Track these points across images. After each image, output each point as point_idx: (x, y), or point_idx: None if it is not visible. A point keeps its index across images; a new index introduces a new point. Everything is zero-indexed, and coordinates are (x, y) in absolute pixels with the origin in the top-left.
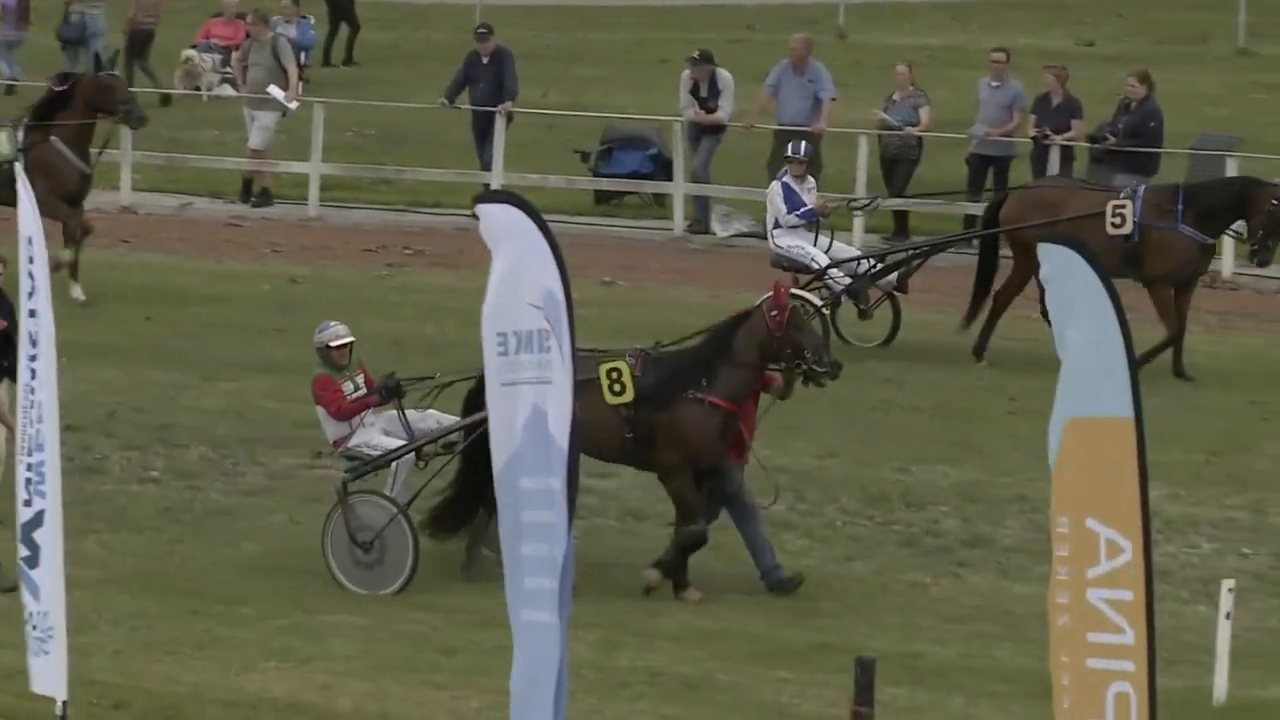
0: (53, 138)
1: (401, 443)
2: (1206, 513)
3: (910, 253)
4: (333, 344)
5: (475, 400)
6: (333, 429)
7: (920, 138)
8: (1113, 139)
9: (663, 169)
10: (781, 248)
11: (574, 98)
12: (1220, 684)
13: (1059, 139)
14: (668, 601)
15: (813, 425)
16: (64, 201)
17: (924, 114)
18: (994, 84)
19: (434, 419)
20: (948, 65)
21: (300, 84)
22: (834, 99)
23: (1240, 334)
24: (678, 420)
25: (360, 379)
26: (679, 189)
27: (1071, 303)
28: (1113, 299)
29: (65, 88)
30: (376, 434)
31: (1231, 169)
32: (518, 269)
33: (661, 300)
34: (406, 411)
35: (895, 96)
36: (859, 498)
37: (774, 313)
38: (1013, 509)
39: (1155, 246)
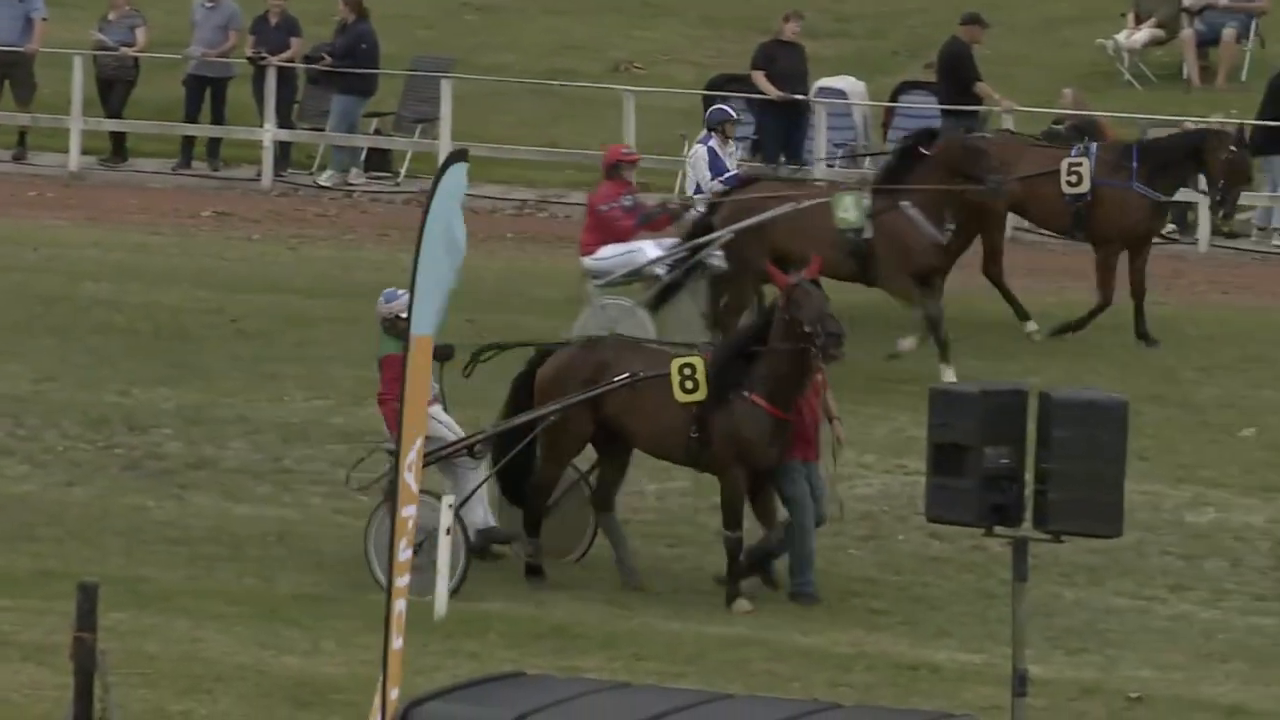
0: (904, 203)
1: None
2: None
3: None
4: (403, 315)
5: (523, 386)
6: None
7: (137, 58)
8: (328, 59)
9: None
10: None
11: None
12: (441, 597)
13: (275, 60)
14: None
15: (30, 349)
16: (914, 277)
17: (140, 34)
18: (208, 4)
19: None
20: None
21: None
22: (45, 19)
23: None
24: (731, 418)
25: None
26: None
27: (450, 224)
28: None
29: (926, 148)
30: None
31: (446, 90)
32: None
33: None
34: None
35: (110, 16)
36: (79, 421)
37: (783, 294)
38: (235, 430)
39: (1109, 205)
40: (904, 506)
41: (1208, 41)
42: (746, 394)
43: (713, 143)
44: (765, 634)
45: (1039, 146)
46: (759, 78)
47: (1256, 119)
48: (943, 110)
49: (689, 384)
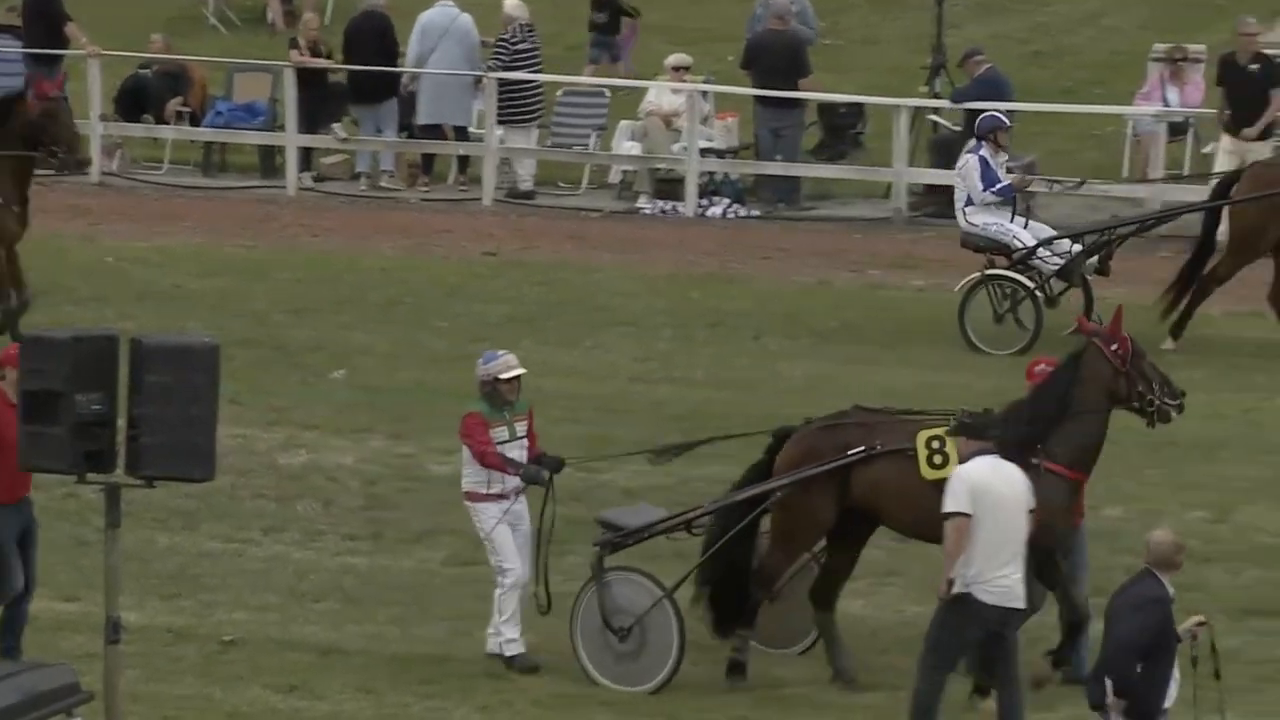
0: None
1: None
2: None
3: (1114, 232)
4: (502, 376)
5: (762, 474)
6: (471, 477)
7: None
8: None
9: None
10: (976, 226)
11: None
12: None
13: None
14: None
15: None
16: None
17: None
18: None
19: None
20: None
21: None
22: None
23: None
24: None
25: (523, 425)
26: None
27: None
28: None
29: None
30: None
31: None
32: None
33: None
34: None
35: None
36: None
37: (1114, 346)
38: None
39: None
40: None
41: None
42: (1037, 461)
43: (984, 151)
44: None
45: None
46: None
47: (345, 64)
48: (28, 55)
49: (937, 458)
